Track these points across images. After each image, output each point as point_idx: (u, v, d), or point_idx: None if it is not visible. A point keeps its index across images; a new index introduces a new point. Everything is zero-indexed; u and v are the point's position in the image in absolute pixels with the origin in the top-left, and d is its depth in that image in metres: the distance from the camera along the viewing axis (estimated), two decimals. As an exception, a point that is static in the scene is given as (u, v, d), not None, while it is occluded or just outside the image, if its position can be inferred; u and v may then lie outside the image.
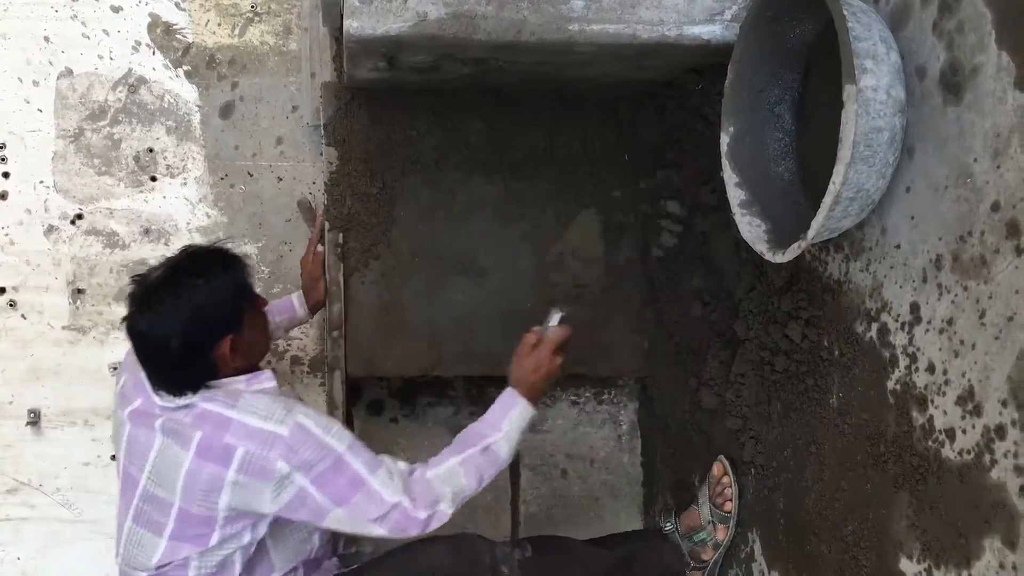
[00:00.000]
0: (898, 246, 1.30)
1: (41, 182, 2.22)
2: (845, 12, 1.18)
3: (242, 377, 1.59)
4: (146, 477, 1.54)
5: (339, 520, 1.53)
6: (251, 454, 1.47)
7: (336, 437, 1.52)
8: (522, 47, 1.66)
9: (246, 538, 1.56)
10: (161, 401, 1.54)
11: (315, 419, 1.53)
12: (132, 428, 1.58)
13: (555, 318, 1.75)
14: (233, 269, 1.59)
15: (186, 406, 1.53)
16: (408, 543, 1.69)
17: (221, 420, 1.50)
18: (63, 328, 2.26)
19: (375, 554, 1.80)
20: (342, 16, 1.65)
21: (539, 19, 1.59)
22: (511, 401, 1.69)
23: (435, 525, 1.58)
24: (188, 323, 1.49)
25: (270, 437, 1.48)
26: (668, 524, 1.98)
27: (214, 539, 1.52)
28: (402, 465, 1.59)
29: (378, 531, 1.54)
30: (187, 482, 1.49)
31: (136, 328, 1.53)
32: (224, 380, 1.56)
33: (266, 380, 1.61)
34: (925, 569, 1.24)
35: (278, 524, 1.61)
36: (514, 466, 2.53)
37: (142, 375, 1.57)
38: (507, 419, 1.67)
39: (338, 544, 1.85)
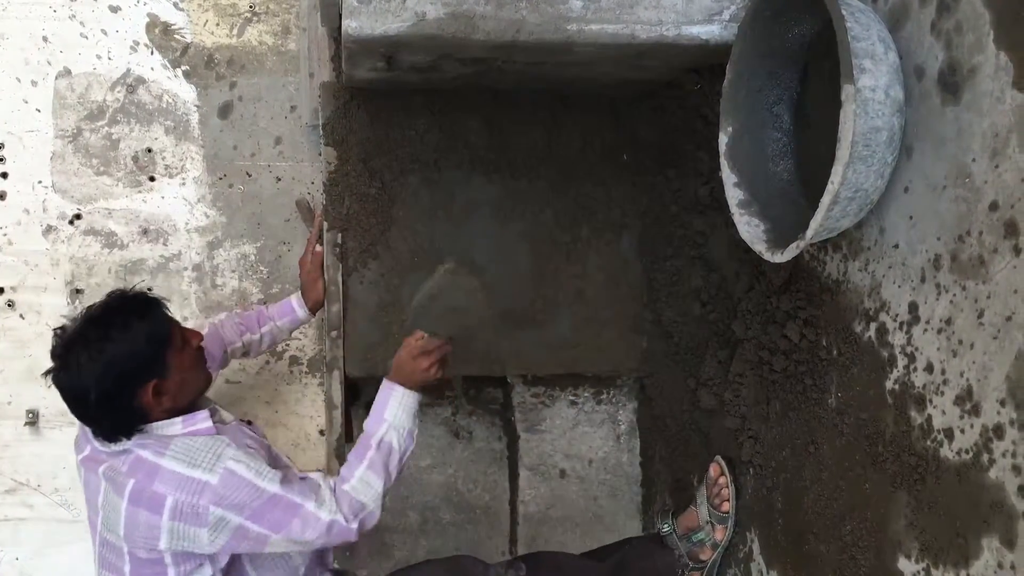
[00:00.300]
0: (896, 246, 1.30)
1: (39, 182, 2.22)
2: (843, 12, 1.18)
3: (178, 419, 1.62)
4: (100, 522, 1.58)
5: (279, 544, 1.57)
6: (181, 502, 1.50)
7: (267, 479, 1.55)
8: (521, 47, 1.66)
9: (207, 572, 1.58)
10: (100, 447, 1.59)
11: (246, 463, 1.55)
12: (85, 474, 1.62)
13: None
14: (148, 317, 1.60)
15: (123, 451, 1.57)
16: (404, 567, 1.71)
17: (151, 468, 1.53)
18: (61, 328, 2.26)
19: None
20: (340, 16, 1.65)
21: (538, 19, 1.59)
22: (386, 391, 1.74)
23: (368, 527, 1.63)
24: (101, 376, 1.52)
25: (199, 485, 1.50)
26: (666, 524, 1.98)
27: None
28: (330, 481, 1.63)
29: (316, 544, 1.59)
30: (127, 527, 1.52)
31: (56, 383, 1.56)
32: (159, 423, 1.60)
33: (201, 421, 1.63)
34: (924, 568, 1.24)
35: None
36: (513, 466, 2.53)
37: None
38: (387, 409, 1.71)
39: (328, 560, 1.85)
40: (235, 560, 1.62)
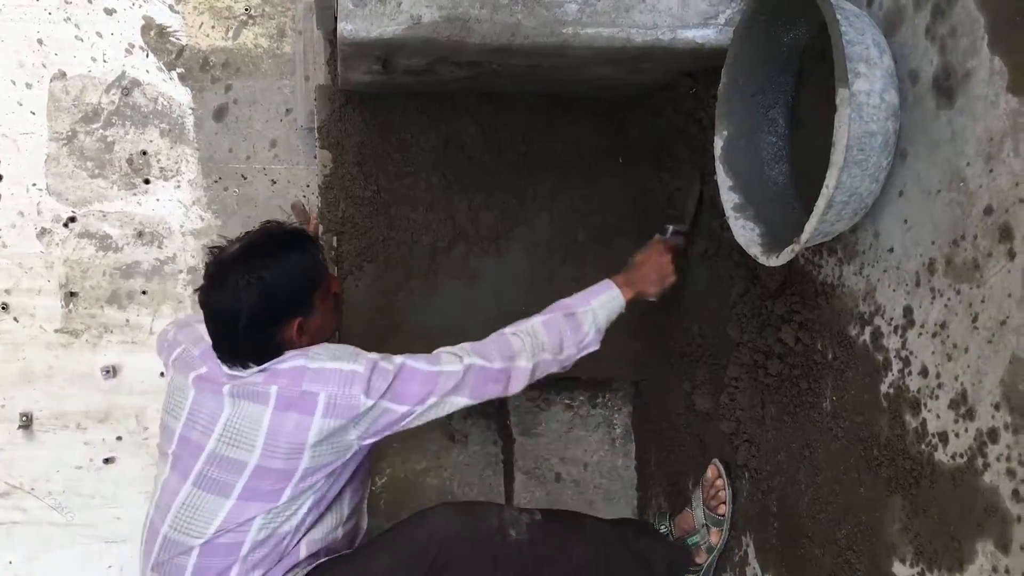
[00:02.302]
0: (891, 250, 1.30)
1: (34, 185, 2.22)
2: (838, 16, 1.18)
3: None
4: (215, 440, 1.56)
5: (423, 415, 1.60)
6: (334, 395, 1.52)
7: (394, 360, 1.59)
8: (516, 50, 1.66)
9: (308, 500, 1.59)
10: (229, 370, 1.59)
11: (377, 355, 1.59)
12: (197, 394, 1.61)
13: (669, 230, 1.89)
14: (306, 252, 1.62)
15: (257, 371, 1.57)
16: (414, 514, 1.70)
17: (295, 371, 1.54)
18: (55, 331, 2.25)
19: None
20: (336, 19, 1.65)
21: (533, 22, 1.59)
22: (604, 286, 1.77)
23: (516, 382, 1.65)
24: (256, 305, 1.53)
25: (349, 375, 1.53)
26: (662, 527, 1.98)
27: (285, 495, 1.56)
28: (463, 344, 1.66)
29: (461, 400, 1.61)
30: (269, 437, 1.52)
31: (206, 302, 1.57)
32: (290, 352, 1.60)
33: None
34: (918, 572, 1.24)
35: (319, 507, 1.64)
36: (508, 470, 2.53)
37: (210, 342, 1.61)
38: (597, 298, 1.75)
39: (356, 539, 1.85)
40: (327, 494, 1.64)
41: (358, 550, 1.75)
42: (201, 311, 1.60)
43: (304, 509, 1.61)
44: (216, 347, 1.60)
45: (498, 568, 1.66)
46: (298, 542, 1.64)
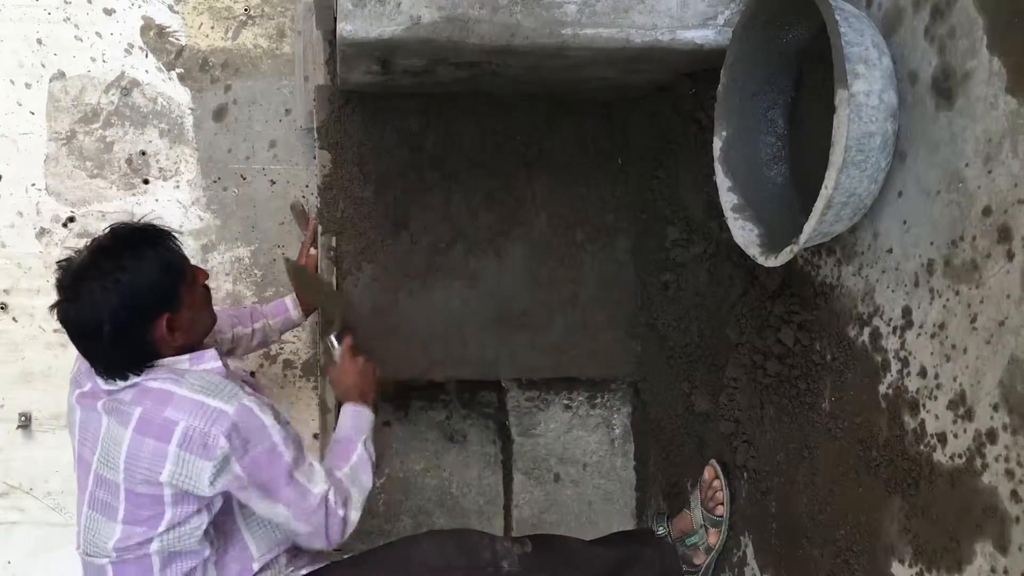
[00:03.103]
0: (890, 250, 1.30)
1: (33, 185, 2.22)
2: (837, 17, 1.19)
3: (184, 356, 1.56)
4: (96, 460, 1.51)
5: (267, 508, 1.53)
6: (193, 429, 1.43)
7: (274, 427, 1.51)
8: (515, 51, 1.66)
9: (203, 520, 1.52)
10: (105, 385, 1.53)
11: (258, 404, 1.51)
12: (82, 412, 1.56)
13: (333, 342, 1.96)
14: (161, 246, 1.55)
15: (130, 385, 1.51)
16: (404, 538, 1.69)
17: (162, 395, 1.47)
18: (54, 331, 2.25)
19: (369, 546, 1.80)
20: (335, 19, 1.65)
21: (532, 23, 1.59)
22: (354, 411, 1.79)
23: (349, 531, 1.61)
24: (117, 307, 1.46)
25: (215, 412, 1.45)
26: (661, 528, 1.98)
27: (164, 523, 1.48)
28: (320, 466, 1.61)
29: (302, 527, 1.55)
30: (129, 459, 1.46)
31: (65, 317, 1.50)
32: (166, 360, 1.54)
33: (210, 359, 1.58)
34: (917, 573, 1.24)
35: (249, 510, 1.58)
36: (507, 470, 2.53)
37: None
38: (360, 424, 1.77)
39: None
40: (228, 515, 1.58)
41: (344, 565, 1.72)
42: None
43: (202, 531, 1.53)
44: (89, 361, 1.54)
45: None
46: (240, 557, 1.60)
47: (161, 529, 1.49)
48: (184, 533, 1.51)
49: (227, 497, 1.55)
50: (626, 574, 1.87)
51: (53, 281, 2.21)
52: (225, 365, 1.63)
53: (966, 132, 1.14)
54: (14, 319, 2.24)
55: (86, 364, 1.58)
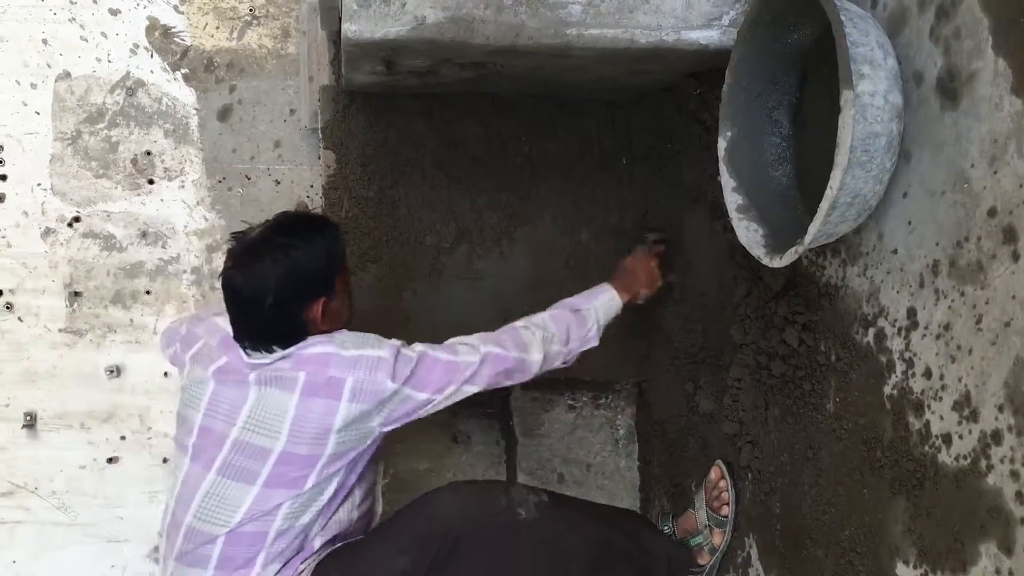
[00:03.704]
0: (895, 251, 1.30)
1: (38, 184, 2.22)
2: (842, 18, 1.18)
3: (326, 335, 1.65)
4: (240, 428, 1.57)
5: (442, 403, 1.65)
6: (360, 380, 1.54)
7: (415, 348, 1.63)
8: (520, 51, 1.66)
9: (333, 486, 1.61)
10: (251, 359, 1.59)
11: (398, 341, 1.63)
12: (217, 385, 1.62)
13: (650, 238, 2.04)
14: (328, 235, 1.64)
15: (280, 358, 1.58)
16: (421, 496, 1.71)
17: (320, 357, 1.56)
18: (60, 331, 2.26)
19: None
20: (340, 20, 1.66)
21: (537, 23, 1.59)
22: (603, 288, 1.88)
23: (528, 372, 1.74)
24: (283, 282, 1.55)
25: (374, 361, 1.56)
26: (665, 528, 1.98)
27: (310, 482, 1.57)
28: (475, 335, 1.71)
29: (476, 388, 1.67)
30: (296, 422, 1.54)
31: (232, 283, 1.58)
32: (312, 338, 1.61)
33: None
34: (921, 574, 1.24)
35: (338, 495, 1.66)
36: (511, 470, 2.53)
37: (228, 333, 1.63)
38: (598, 298, 1.85)
39: (371, 523, 1.86)
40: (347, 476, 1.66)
41: (369, 535, 1.75)
42: (220, 298, 1.62)
43: (326, 497, 1.62)
44: (239, 332, 1.61)
45: (506, 546, 1.66)
46: (319, 532, 1.66)
47: (304, 489, 1.57)
48: (314, 498, 1.60)
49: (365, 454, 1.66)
50: (637, 543, 1.85)
51: (58, 281, 2.23)
52: None
53: (971, 133, 1.13)
54: (19, 319, 2.24)
55: (217, 338, 1.66)
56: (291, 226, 1.61)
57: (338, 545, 1.70)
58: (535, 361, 1.72)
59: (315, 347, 1.58)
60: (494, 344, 1.68)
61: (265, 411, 1.56)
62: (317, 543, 1.66)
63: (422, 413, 1.64)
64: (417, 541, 1.62)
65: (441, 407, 1.66)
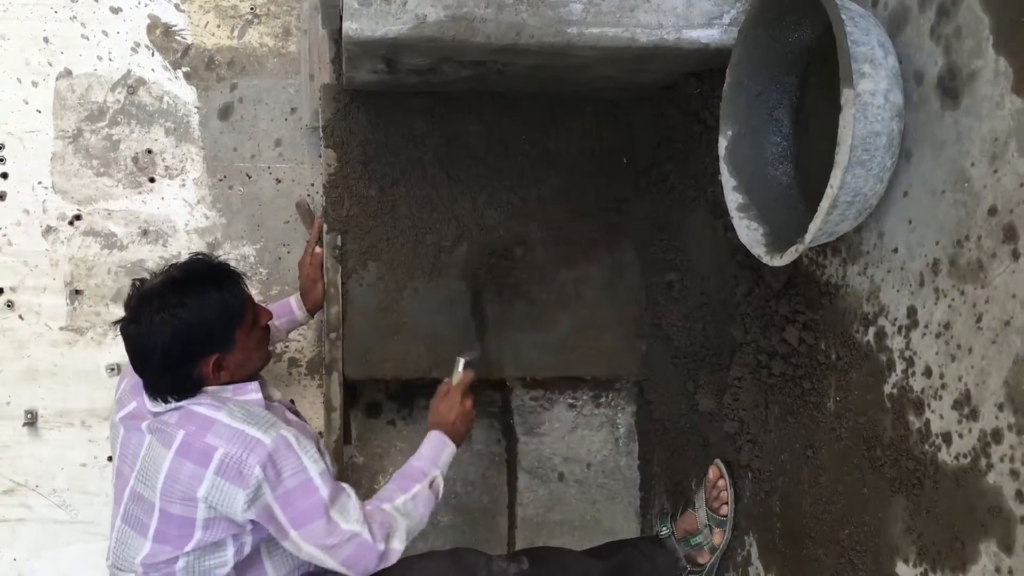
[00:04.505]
0: (895, 250, 1.30)
1: (39, 183, 2.23)
2: (843, 17, 1.18)
3: (229, 386, 1.63)
4: (134, 477, 1.57)
5: (296, 543, 1.54)
6: (230, 456, 1.48)
7: (311, 459, 1.55)
8: (521, 50, 1.66)
9: (229, 550, 1.56)
10: (151, 406, 1.59)
11: (296, 437, 1.55)
12: (125, 432, 1.62)
13: (460, 364, 1.88)
14: (226, 289, 1.61)
15: (174, 408, 1.57)
16: (400, 561, 1.68)
17: (205, 420, 1.53)
18: (60, 329, 2.26)
19: None
20: (341, 18, 1.66)
21: (538, 22, 1.59)
22: (441, 443, 1.77)
23: (390, 561, 1.60)
24: (169, 340, 1.53)
25: (252, 441, 1.50)
26: (664, 528, 1.98)
27: (192, 543, 1.52)
28: (357, 500, 1.60)
29: (331, 563, 1.56)
30: (167, 479, 1.51)
31: (125, 334, 1.58)
32: (210, 388, 1.60)
33: (252, 391, 1.64)
34: (921, 573, 1.24)
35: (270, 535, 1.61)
36: (511, 469, 2.53)
37: (139, 379, 1.62)
38: (442, 458, 1.76)
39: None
40: (250, 554, 1.60)
41: None
42: None
43: (229, 558, 1.56)
44: (141, 379, 1.60)
45: None
46: None
47: (188, 549, 1.53)
48: (210, 556, 1.55)
49: (256, 528, 1.58)
50: None
51: (59, 279, 2.23)
52: (268, 396, 1.69)
53: (972, 132, 1.13)
54: (20, 317, 2.24)
55: (131, 383, 1.66)
56: (186, 282, 1.58)
57: None
58: (396, 552, 1.61)
59: (203, 407, 1.55)
60: (367, 527, 1.56)
61: (149, 462, 1.55)
62: None
63: (283, 541, 1.55)
64: None
65: (294, 550, 1.55)
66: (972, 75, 1.13)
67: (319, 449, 1.61)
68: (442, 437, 1.78)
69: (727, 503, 1.85)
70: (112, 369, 2.27)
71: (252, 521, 1.54)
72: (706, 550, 1.90)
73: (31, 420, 2.26)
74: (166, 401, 1.58)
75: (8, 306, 2.24)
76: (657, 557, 1.94)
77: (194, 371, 1.57)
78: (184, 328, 1.53)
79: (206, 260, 1.67)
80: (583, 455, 2.53)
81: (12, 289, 2.24)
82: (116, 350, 2.27)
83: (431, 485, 1.70)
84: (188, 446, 1.51)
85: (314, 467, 1.54)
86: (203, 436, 1.51)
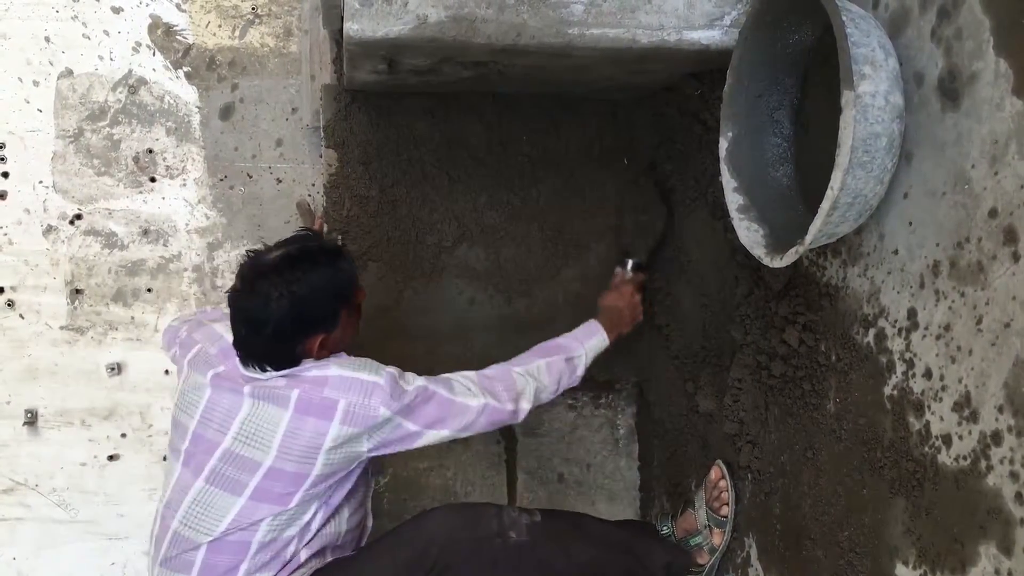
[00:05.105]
0: (896, 252, 1.30)
1: (40, 182, 2.23)
2: (844, 18, 1.19)
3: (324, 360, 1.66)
4: (231, 438, 1.58)
5: (432, 438, 1.64)
6: (353, 404, 1.55)
7: (414, 380, 1.63)
8: (522, 50, 1.66)
9: (314, 507, 1.62)
10: (246, 371, 1.61)
11: (397, 369, 1.63)
12: (214, 392, 1.63)
13: (630, 263, 2.00)
14: (339, 269, 1.65)
15: (279, 376, 1.60)
16: (414, 516, 1.72)
17: (317, 378, 1.57)
18: (61, 328, 2.26)
19: None
20: (342, 19, 1.66)
21: (539, 23, 1.59)
22: (594, 328, 1.90)
23: (520, 419, 1.72)
24: (283, 317, 1.56)
25: (370, 386, 1.56)
26: (665, 528, 1.98)
27: (295, 500, 1.58)
28: (471, 373, 1.71)
29: (468, 433, 1.67)
30: (286, 439, 1.55)
31: (235, 304, 1.61)
32: (308, 362, 1.63)
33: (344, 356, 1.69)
34: (921, 574, 1.24)
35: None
36: (511, 469, 2.53)
37: (228, 342, 1.65)
38: (589, 341, 1.87)
39: (362, 538, 1.86)
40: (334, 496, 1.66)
41: (359, 552, 1.75)
42: (221, 304, 1.63)
43: (309, 515, 1.62)
44: (238, 347, 1.62)
45: (497, 570, 1.66)
46: (305, 545, 1.65)
47: (290, 506, 1.58)
48: (296, 516, 1.60)
49: (348, 478, 1.66)
50: (633, 556, 1.86)
51: (59, 278, 2.23)
52: None
53: (972, 133, 1.13)
54: (20, 316, 2.24)
55: (218, 347, 1.68)
56: (302, 260, 1.61)
57: (328, 560, 1.70)
58: (524, 411, 1.73)
59: (312, 370, 1.60)
60: (492, 394, 1.68)
61: (257, 424, 1.57)
62: (303, 555, 1.66)
63: (412, 445, 1.64)
64: (408, 563, 1.63)
65: (435, 442, 1.66)
66: (972, 77, 1.13)
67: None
68: (597, 326, 1.89)
69: (728, 504, 1.85)
70: (112, 368, 2.27)
71: (368, 458, 1.64)
72: (706, 551, 1.90)
73: (31, 419, 2.26)
74: (263, 370, 1.60)
75: (8, 305, 2.24)
76: (672, 549, 1.93)
77: (300, 347, 1.61)
78: (299, 306, 1.57)
79: (318, 238, 1.71)
80: (583, 456, 2.53)
81: (12, 288, 2.24)
82: (116, 350, 2.27)
83: (568, 360, 1.80)
84: (307, 403, 1.55)
85: (418, 378, 1.63)
86: (320, 391, 1.55)
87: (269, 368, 1.60)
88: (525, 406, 1.72)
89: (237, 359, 1.63)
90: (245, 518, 1.58)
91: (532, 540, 1.71)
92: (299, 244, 1.65)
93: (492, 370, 1.74)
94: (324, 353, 1.64)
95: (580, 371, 1.83)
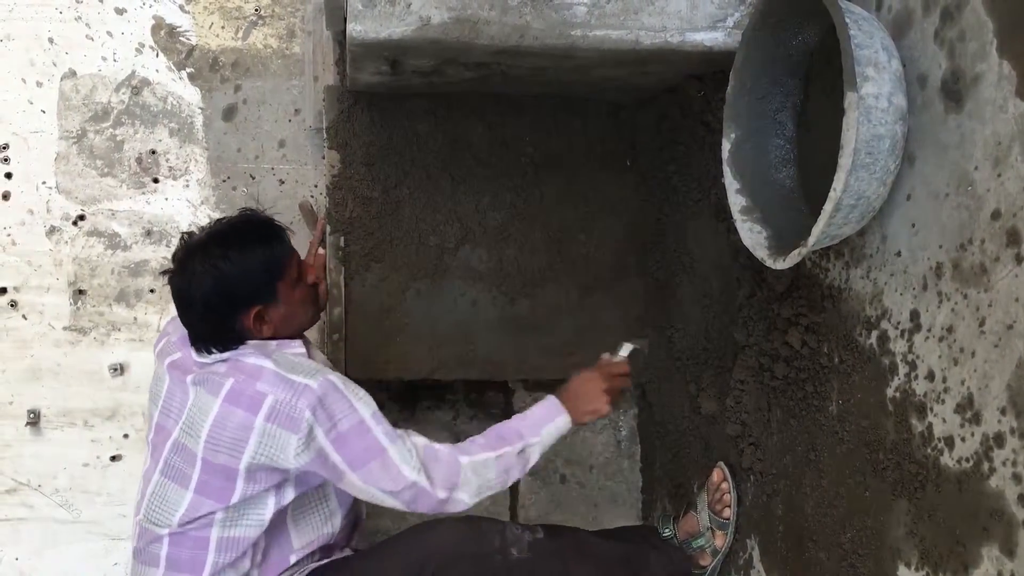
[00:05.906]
0: (898, 253, 1.30)
1: (44, 183, 2.23)
2: (847, 20, 1.19)
3: (272, 342, 1.64)
4: (179, 428, 1.58)
5: (354, 485, 1.56)
6: (280, 402, 1.50)
7: (362, 402, 1.56)
8: (525, 52, 1.66)
9: (269, 503, 1.58)
10: (197, 356, 1.62)
11: (343, 381, 1.57)
12: (170, 381, 1.64)
13: (624, 348, 1.83)
14: (269, 244, 1.63)
15: (221, 360, 1.59)
16: (417, 524, 1.70)
17: (253, 369, 1.56)
18: (64, 329, 2.26)
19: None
20: (345, 20, 1.66)
21: (542, 24, 1.60)
22: (556, 412, 1.72)
23: (451, 511, 1.62)
24: (210, 291, 1.56)
25: (300, 387, 1.52)
26: (667, 530, 1.98)
27: (235, 496, 1.54)
28: (421, 440, 1.61)
29: (391, 503, 1.58)
30: (214, 428, 1.52)
31: (170, 284, 1.62)
32: (253, 342, 1.62)
33: (296, 347, 1.66)
34: (923, 577, 1.24)
35: (299, 502, 1.64)
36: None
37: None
38: (547, 428, 1.70)
39: (353, 536, 1.85)
40: (277, 517, 1.61)
41: (354, 559, 1.74)
42: None
43: (267, 514, 1.58)
44: (187, 330, 1.64)
45: None
46: (279, 546, 1.64)
47: (233, 501, 1.54)
48: (248, 515, 1.57)
49: (299, 480, 1.60)
50: (635, 570, 1.86)
51: (62, 279, 2.24)
52: (310, 356, 1.69)
53: (975, 135, 1.13)
54: (24, 316, 2.25)
55: (179, 335, 1.69)
56: (229, 236, 1.61)
57: (320, 562, 1.69)
58: (461, 502, 1.61)
59: (251, 357, 1.58)
60: (426, 474, 1.56)
61: (195, 412, 1.56)
62: (292, 558, 1.65)
63: (334, 478, 1.57)
64: (405, 575, 1.62)
65: (350, 491, 1.59)
66: (976, 79, 1.13)
67: (368, 395, 1.61)
68: (560, 408, 1.72)
69: (730, 505, 1.85)
70: (115, 369, 2.27)
71: (300, 472, 1.56)
72: (708, 552, 1.90)
73: (34, 420, 2.26)
74: (210, 352, 1.60)
75: (11, 306, 2.24)
76: (670, 551, 1.93)
77: (236, 323, 1.59)
78: (225, 279, 1.56)
79: (252, 215, 1.69)
80: (585, 457, 2.53)
81: (16, 289, 2.24)
82: (119, 350, 2.28)
83: (520, 452, 1.66)
84: (238, 394, 1.52)
85: (365, 408, 1.56)
86: (252, 384, 1.53)
87: (214, 350, 1.59)
88: (463, 498, 1.60)
89: (191, 348, 1.63)
90: (193, 512, 1.55)
91: (533, 557, 1.70)
92: (229, 221, 1.66)
93: (443, 449, 1.62)
94: (268, 329, 1.62)
95: (533, 461, 1.68)
